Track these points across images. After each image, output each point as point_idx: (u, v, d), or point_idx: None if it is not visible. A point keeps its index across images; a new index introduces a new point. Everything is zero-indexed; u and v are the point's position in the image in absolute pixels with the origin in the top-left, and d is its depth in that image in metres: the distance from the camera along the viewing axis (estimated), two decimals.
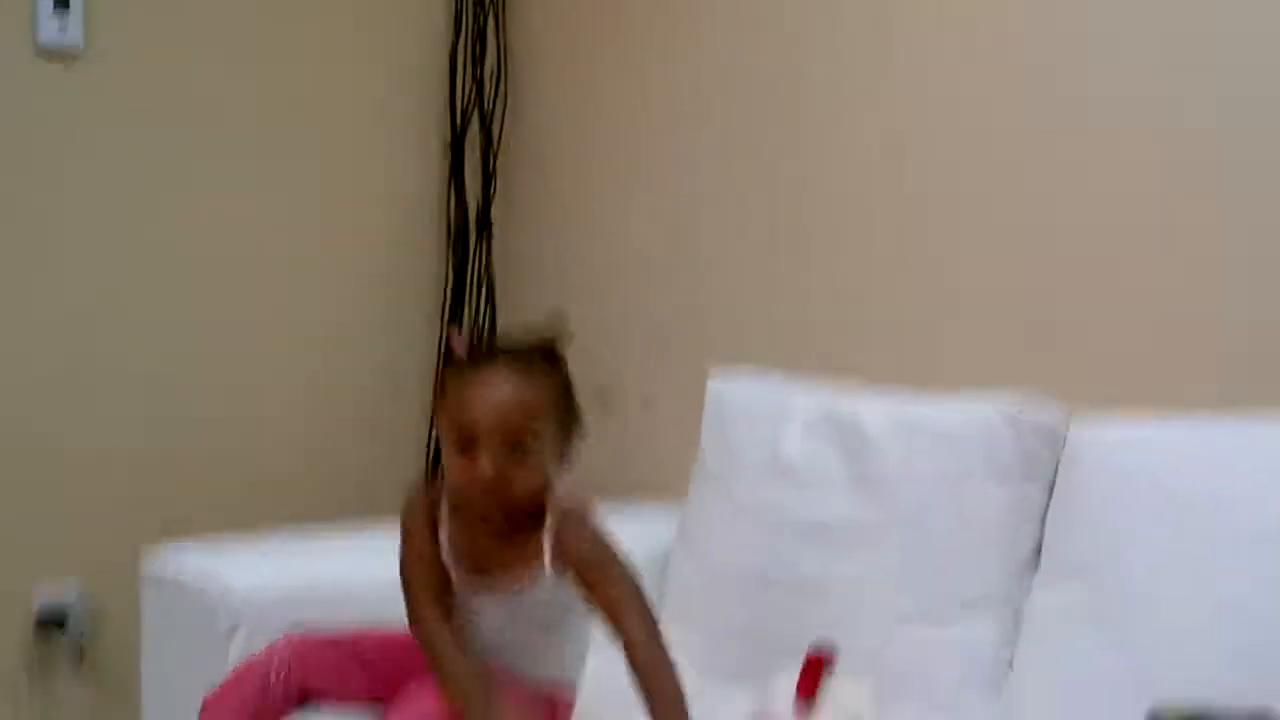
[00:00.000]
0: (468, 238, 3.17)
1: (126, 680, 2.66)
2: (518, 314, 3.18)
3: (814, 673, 1.63)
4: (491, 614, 1.97)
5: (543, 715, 1.93)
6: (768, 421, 2.41)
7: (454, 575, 1.97)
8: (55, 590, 2.77)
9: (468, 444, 1.88)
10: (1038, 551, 2.08)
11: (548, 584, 1.92)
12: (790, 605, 2.25)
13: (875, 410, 2.27)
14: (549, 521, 1.92)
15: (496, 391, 1.89)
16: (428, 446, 3.17)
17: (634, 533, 2.55)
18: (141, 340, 2.86)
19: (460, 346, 1.96)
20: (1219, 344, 2.13)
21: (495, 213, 3.17)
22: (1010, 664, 2.05)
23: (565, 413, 1.95)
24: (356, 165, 3.11)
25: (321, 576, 2.26)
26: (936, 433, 2.18)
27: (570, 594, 1.92)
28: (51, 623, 2.76)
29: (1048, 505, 2.08)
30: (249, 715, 1.97)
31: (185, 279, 2.90)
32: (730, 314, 2.79)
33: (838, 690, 1.63)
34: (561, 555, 1.91)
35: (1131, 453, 2.01)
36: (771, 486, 2.35)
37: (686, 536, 2.49)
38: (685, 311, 2.87)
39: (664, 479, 2.78)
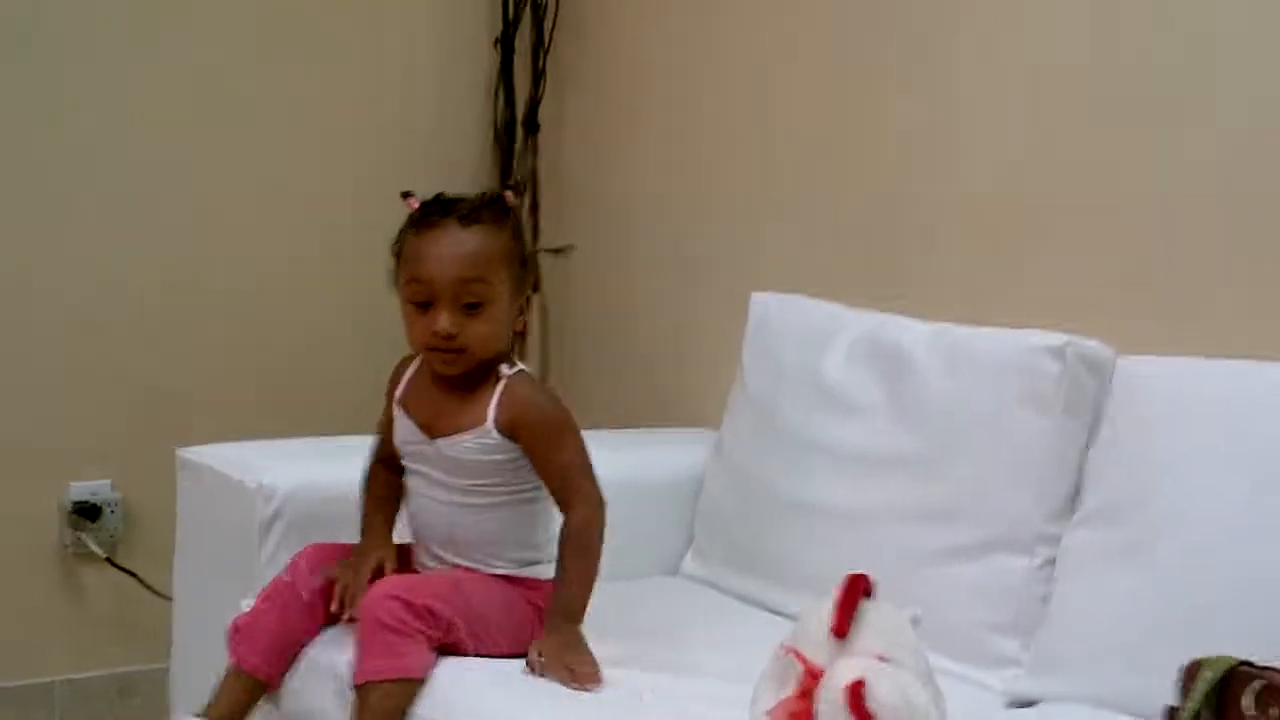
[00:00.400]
0: (513, 137, 3.12)
1: (158, 575, 2.69)
2: (557, 219, 3.15)
3: (851, 598, 1.61)
4: (428, 478, 1.99)
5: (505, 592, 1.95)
6: (810, 344, 2.36)
7: (401, 429, 2.02)
8: (89, 489, 2.78)
9: (424, 300, 1.93)
10: (1077, 489, 2.03)
11: (488, 441, 1.95)
12: (823, 533, 2.22)
13: (920, 337, 2.22)
14: (500, 381, 1.96)
15: (449, 247, 1.93)
16: None
17: (667, 456, 2.57)
18: (177, 240, 2.85)
19: (415, 205, 1.99)
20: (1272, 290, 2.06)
21: (543, 114, 3.12)
22: (1045, 602, 2.01)
23: (518, 267, 1.97)
24: (405, 58, 3.07)
25: (348, 476, 2.24)
26: (981, 362, 2.12)
27: (508, 461, 1.95)
28: (84, 517, 2.77)
29: (1089, 441, 2.04)
30: (281, 636, 1.99)
31: (220, 177, 2.88)
32: (775, 242, 2.71)
33: (874, 618, 1.60)
34: (509, 415, 1.94)
35: (1178, 390, 1.94)
36: (810, 410, 2.31)
37: (721, 459, 2.46)
38: (730, 234, 2.80)
39: (700, 408, 2.75)
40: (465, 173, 3.13)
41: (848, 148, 2.59)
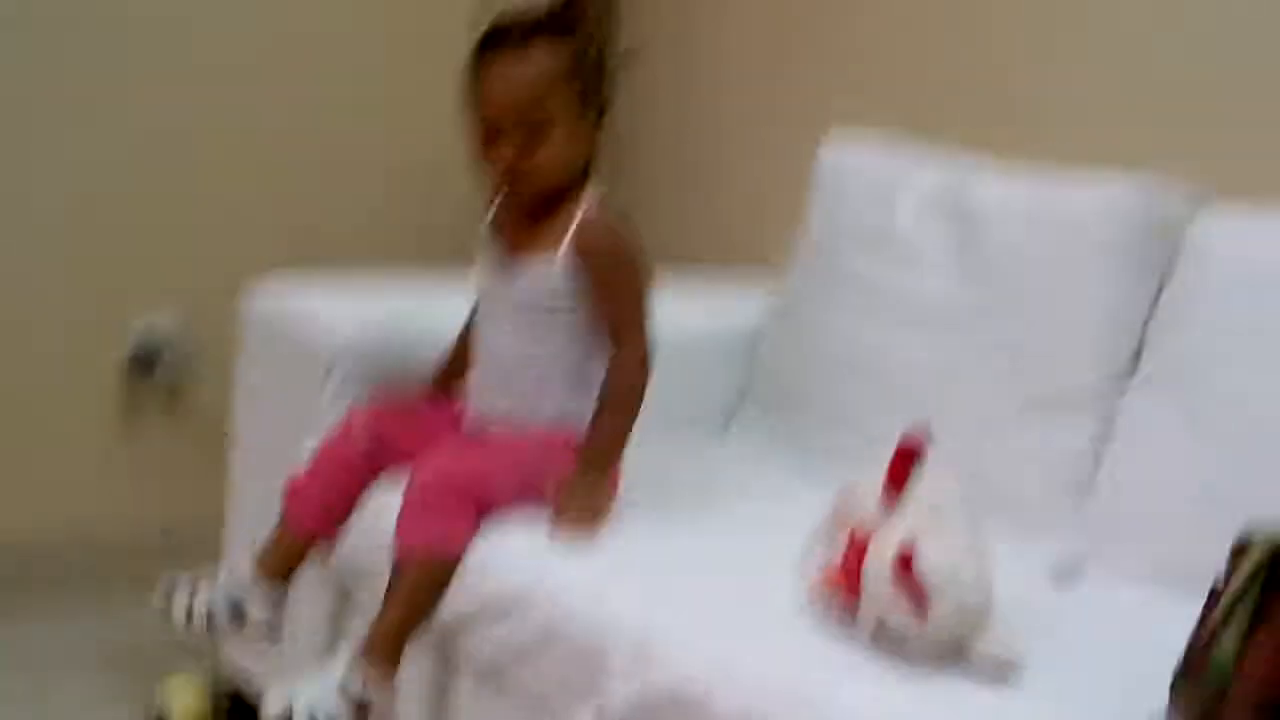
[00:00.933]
0: None
1: (217, 422, 2.72)
2: (634, 42, 3.08)
3: (904, 462, 1.60)
4: (499, 311, 1.97)
5: (549, 455, 1.92)
6: (880, 192, 2.32)
7: (483, 260, 2.00)
8: (151, 326, 2.80)
9: (487, 132, 1.90)
10: (1138, 353, 2.00)
11: (557, 271, 1.91)
12: (882, 387, 2.20)
13: (992, 188, 2.17)
14: (578, 210, 1.93)
15: (500, 77, 1.89)
16: None
17: (725, 305, 2.54)
18: (242, 74, 2.83)
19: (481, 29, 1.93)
20: None
21: None
22: (1098, 466, 1.99)
23: (585, 81, 1.91)
24: None
25: (416, 319, 2.25)
26: (1051, 217, 2.08)
27: (574, 295, 1.91)
28: (144, 362, 2.79)
29: (1156, 302, 2.00)
30: (332, 498, 2.00)
31: (283, 36, 2.86)
32: (849, 78, 2.65)
33: (926, 483, 1.59)
34: (582, 242, 1.91)
35: (1251, 255, 1.90)
36: (876, 261, 2.28)
37: (784, 309, 2.44)
38: (802, 70, 2.73)
39: (765, 245, 2.71)
40: None
41: None
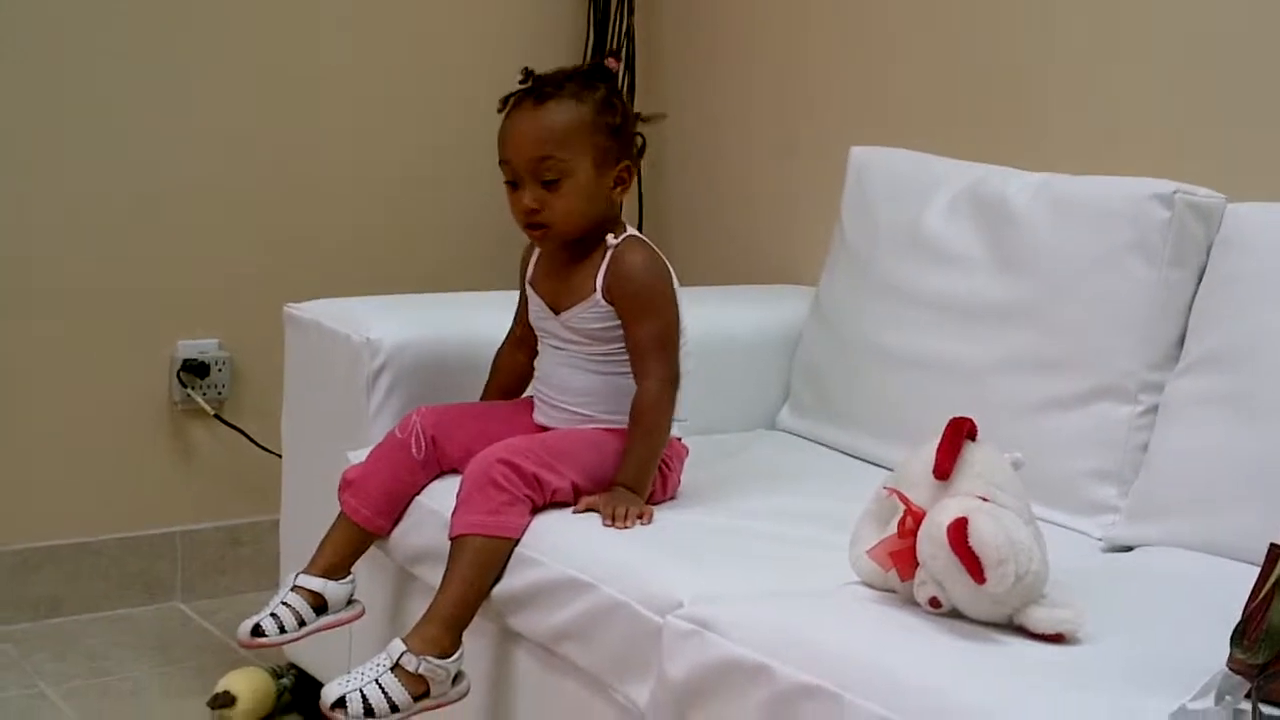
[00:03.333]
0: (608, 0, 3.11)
1: (265, 430, 2.75)
2: (657, 76, 3.14)
3: (954, 440, 1.62)
4: (554, 345, 2.05)
5: (603, 450, 1.98)
6: (910, 197, 2.34)
7: (533, 306, 2.07)
8: (197, 347, 2.85)
9: (510, 180, 1.98)
10: (1182, 337, 2.01)
11: (599, 309, 1.99)
12: (922, 384, 2.22)
13: (1023, 186, 2.19)
14: (609, 250, 1.99)
15: (521, 126, 1.97)
16: None
17: (764, 310, 2.57)
18: (290, 103, 2.87)
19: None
20: None
21: None
22: (1145, 450, 2.01)
23: (605, 136, 1.97)
24: None
25: (460, 329, 2.28)
26: (1086, 210, 2.09)
27: (619, 327, 1.98)
28: (193, 374, 2.83)
29: (1196, 291, 2.02)
30: (391, 489, 2.03)
31: (331, 38, 2.89)
32: (876, 93, 2.68)
33: (977, 457, 1.61)
34: (610, 282, 1.98)
35: None
36: (910, 262, 2.30)
37: (820, 312, 2.46)
38: (828, 90, 2.77)
39: (799, 267, 2.74)
40: (561, 36, 3.13)
41: (942, 4, 2.55)
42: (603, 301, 1.98)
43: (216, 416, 2.86)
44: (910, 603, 1.57)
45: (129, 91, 2.73)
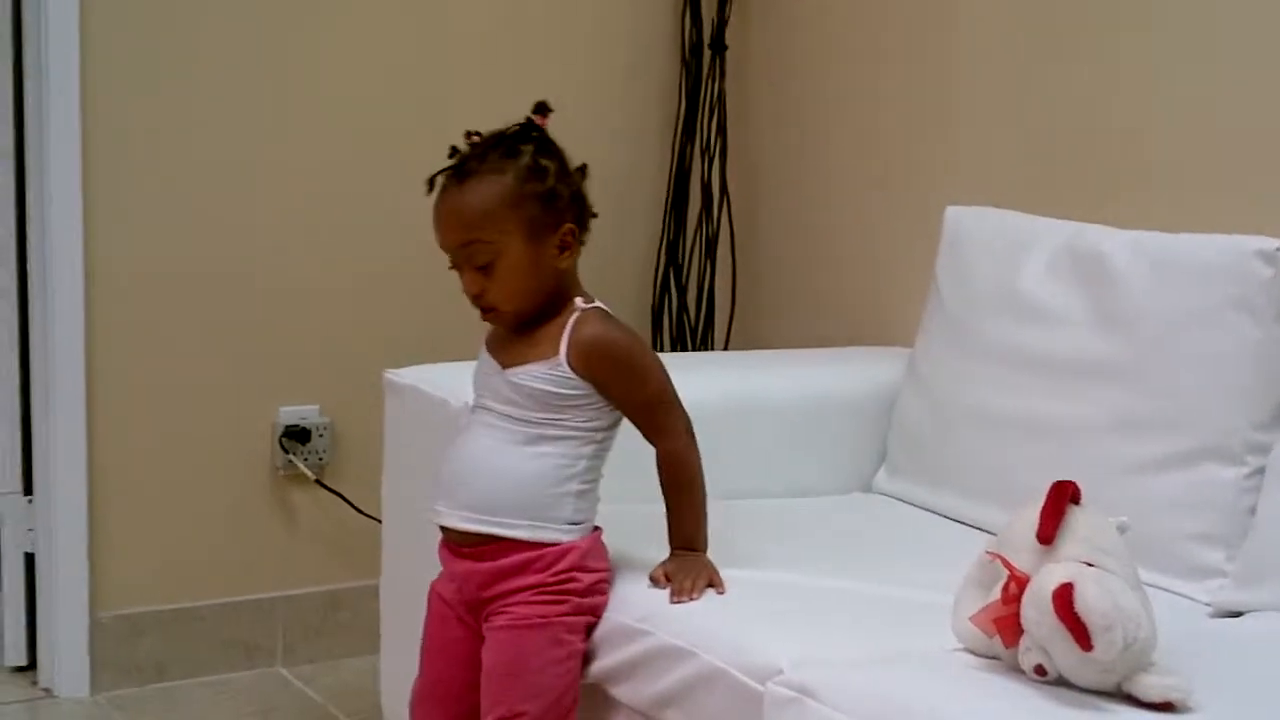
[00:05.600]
0: (701, 60, 3.13)
1: (365, 495, 2.78)
2: (749, 140, 3.15)
3: (1058, 504, 1.60)
4: (485, 420, 1.90)
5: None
6: (1007, 256, 2.32)
7: (481, 366, 1.96)
8: (298, 414, 2.89)
9: (451, 264, 1.90)
10: None
11: (558, 372, 1.85)
12: (1022, 446, 2.19)
13: (1122, 244, 2.16)
14: (573, 315, 1.88)
15: (444, 213, 1.88)
16: (655, 273, 3.18)
17: (860, 372, 2.56)
18: (382, 169, 2.89)
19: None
20: None
21: (730, 35, 3.12)
22: (1252, 513, 1.97)
23: (533, 205, 1.85)
24: None
25: None
26: (1187, 268, 2.07)
27: (576, 397, 1.86)
28: (295, 440, 2.87)
29: None
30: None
31: (421, 110, 2.93)
32: (967, 152, 2.67)
33: (1081, 521, 1.59)
34: (581, 350, 1.85)
35: None
36: (1008, 322, 2.28)
37: (916, 373, 2.44)
38: (921, 149, 2.76)
39: (893, 328, 2.73)
40: (654, 94, 3.15)
41: (1035, 59, 2.54)
42: (565, 366, 1.85)
43: (318, 482, 2.90)
44: (1015, 670, 1.55)
45: (233, 154, 2.79)
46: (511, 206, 1.84)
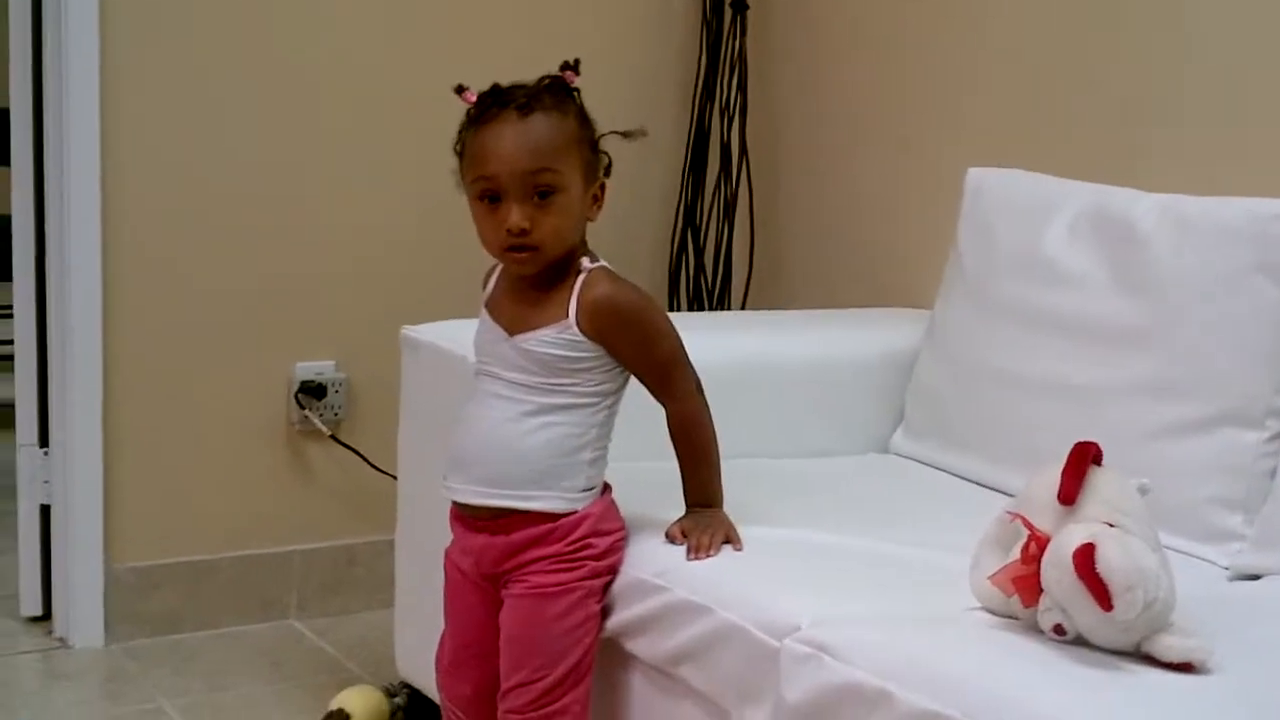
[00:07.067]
0: (722, 18, 3.11)
1: (380, 451, 2.78)
2: (770, 99, 3.13)
3: (1079, 465, 1.59)
4: (492, 389, 1.87)
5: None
6: (1029, 219, 2.31)
7: (483, 331, 1.92)
8: (314, 369, 2.89)
9: (494, 197, 1.82)
10: None
11: (569, 335, 1.83)
12: (1041, 408, 2.18)
13: (1146, 207, 2.15)
14: (580, 275, 1.84)
15: (512, 137, 1.81)
16: (673, 233, 3.17)
17: (878, 334, 2.55)
18: (400, 130, 2.89)
19: (471, 99, 1.87)
20: None
21: None
22: (1271, 477, 1.96)
23: (588, 151, 1.85)
24: None
25: None
26: (1211, 232, 2.05)
27: (587, 359, 1.83)
28: (310, 396, 2.87)
29: None
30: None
31: (442, 69, 2.89)
32: (990, 114, 2.65)
33: (1103, 482, 1.59)
34: (591, 312, 1.82)
35: None
36: (1028, 284, 2.27)
37: (936, 335, 2.43)
38: (942, 108, 2.75)
39: (913, 290, 2.72)
40: (674, 52, 3.14)
41: (1062, 20, 2.52)
42: (575, 328, 1.83)
43: (333, 437, 2.90)
44: (1033, 629, 1.55)
45: (250, 107, 2.79)
46: (577, 145, 1.84)
